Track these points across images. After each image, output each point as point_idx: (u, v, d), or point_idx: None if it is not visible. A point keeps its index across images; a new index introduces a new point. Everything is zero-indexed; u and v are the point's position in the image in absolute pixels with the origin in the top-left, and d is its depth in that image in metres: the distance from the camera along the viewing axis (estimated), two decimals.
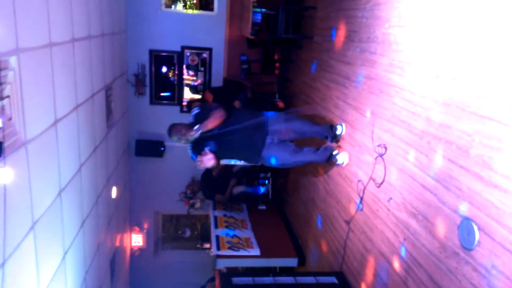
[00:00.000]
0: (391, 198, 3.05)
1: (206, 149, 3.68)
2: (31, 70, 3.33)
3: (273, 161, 3.90)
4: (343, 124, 4.02)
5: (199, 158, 3.64)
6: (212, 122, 3.67)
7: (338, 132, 4.07)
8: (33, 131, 3.39)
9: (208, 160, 3.62)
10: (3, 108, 2.80)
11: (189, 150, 3.88)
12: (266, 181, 6.52)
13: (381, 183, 3.19)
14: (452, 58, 2.40)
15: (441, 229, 2.44)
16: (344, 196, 3.96)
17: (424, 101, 2.66)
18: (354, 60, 3.79)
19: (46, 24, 3.63)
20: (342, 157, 3.93)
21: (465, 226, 2.21)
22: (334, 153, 3.98)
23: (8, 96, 2.91)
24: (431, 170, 2.56)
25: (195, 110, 3.82)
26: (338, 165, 4.01)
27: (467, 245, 2.20)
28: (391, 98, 3.10)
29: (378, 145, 3.25)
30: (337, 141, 4.09)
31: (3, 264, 2.85)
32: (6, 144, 2.71)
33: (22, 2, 3.10)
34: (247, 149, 3.85)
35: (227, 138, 3.74)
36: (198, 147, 3.77)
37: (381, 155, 3.20)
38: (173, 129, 3.77)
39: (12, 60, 2.99)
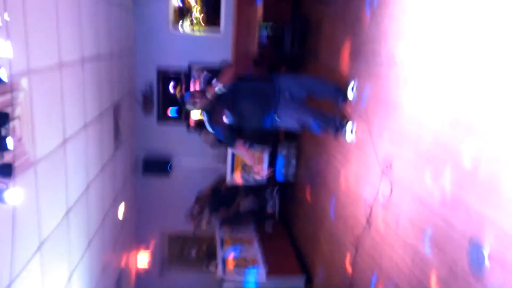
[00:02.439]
0: (398, 221, 3.01)
1: (226, 121, 3.73)
2: (41, 90, 3.37)
3: (288, 121, 3.88)
4: (355, 81, 3.86)
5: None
6: (227, 75, 3.73)
7: (350, 87, 3.89)
8: (42, 151, 3.41)
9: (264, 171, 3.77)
10: (13, 129, 2.83)
11: (206, 123, 3.87)
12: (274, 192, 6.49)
13: (387, 203, 3.16)
14: (459, 74, 2.40)
15: (450, 253, 2.39)
16: (351, 218, 3.91)
17: (430, 119, 2.64)
18: (360, 76, 3.80)
19: (56, 44, 3.70)
20: (350, 136, 3.85)
21: (475, 251, 2.17)
22: (344, 122, 3.88)
23: (18, 117, 2.94)
24: (439, 192, 2.53)
25: (204, 74, 3.94)
26: (344, 137, 3.90)
27: (477, 271, 2.15)
28: (395, 116, 3.09)
29: (383, 164, 3.23)
30: (348, 101, 3.93)
31: (9, 285, 2.83)
32: (15, 165, 2.73)
33: (33, 23, 3.16)
34: (261, 106, 3.80)
35: (241, 98, 3.76)
36: (215, 117, 3.78)
37: (385, 173, 3.17)
38: (187, 98, 3.79)
39: (23, 81, 3.03)
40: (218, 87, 3.69)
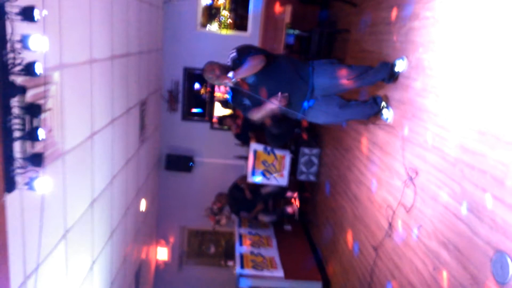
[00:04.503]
0: (420, 226, 2.98)
1: (245, 103, 3.46)
2: (72, 85, 3.49)
3: (318, 119, 3.65)
4: (405, 58, 3.42)
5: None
6: (248, 70, 3.29)
7: (396, 69, 3.47)
8: (71, 142, 3.53)
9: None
10: (45, 120, 2.95)
11: (228, 99, 3.65)
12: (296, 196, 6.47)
13: (410, 208, 3.12)
14: (488, 85, 2.36)
15: (473, 261, 2.35)
16: (373, 221, 3.88)
17: (458, 128, 2.61)
18: (387, 84, 3.77)
19: (88, 42, 3.82)
20: (387, 113, 3.56)
21: (499, 260, 2.13)
22: (382, 105, 3.60)
23: (50, 109, 3.06)
24: (464, 199, 2.49)
25: (233, 53, 3.44)
26: (382, 120, 3.63)
27: (500, 279, 2.11)
28: (423, 123, 3.05)
29: (409, 168, 3.19)
30: (394, 80, 3.54)
31: (37, 268, 2.95)
32: (45, 155, 2.84)
33: (68, 21, 3.28)
34: (292, 100, 3.46)
35: (268, 87, 3.39)
36: (237, 98, 3.53)
37: (411, 178, 3.14)
38: (207, 66, 3.40)
39: (56, 75, 3.15)
40: (231, 80, 3.27)
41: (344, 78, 3.55)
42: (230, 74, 3.27)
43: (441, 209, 2.73)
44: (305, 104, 3.52)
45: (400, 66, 3.46)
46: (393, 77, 3.53)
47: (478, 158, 2.38)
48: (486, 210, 2.27)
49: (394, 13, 3.78)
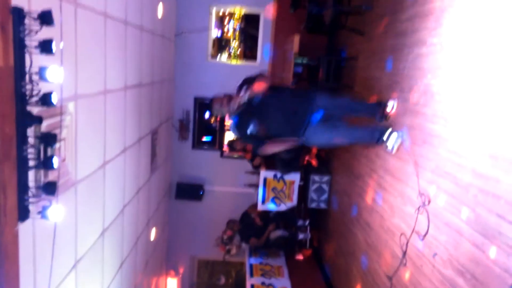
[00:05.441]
0: (436, 254, 2.91)
1: (249, 130, 3.59)
2: (86, 115, 3.57)
3: (319, 139, 3.72)
4: (395, 101, 3.75)
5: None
6: (259, 85, 3.54)
7: (388, 109, 3.77)
8: (83, 172, 3.57)
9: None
10: (59, 149, 3.00)
11: (233, 128, 3.75)
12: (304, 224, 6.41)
13: (425, 236, 3.06)
14: (498, 109, 2.35)
15: None
16: (387, 250, 3.81)
17: (470, 152, 2.59)
18: (396, 110, 3.78)
19: (103, 73, 3.93)
20: (396, 139, 3.58)
21: None
22: (387, 133, 3.64)
23: (64, 139, 3.12)
24: (479, 225, 2.44)
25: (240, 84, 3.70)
26: (391, 146, 3.63)
27: None
28: (435, 148, 3.04)
29: (421, 194, 3.16)
30: (386, 119, 3.79)
31: None
32: (58, 184, 2.87)
33: (84, 53, 3.39)
34: (291, 125, 3.63)
35: (271, 112, 3.59)
36: (242, 126, 3.65)
37: (424, 205, 3.10)
38: (214, 100, 3.65)
39: (70, 106, 3.23)
40: (246, 95, 3.54)
41: (343, 98, 3.85)
42: (243, 90, 3.54)
43: (456, 235, 2.67)
44: (308, 120, 3.63)
45: (390, 106, 3.78)
46: (384, 117, 3.80)
47: (492, 183, 2.35)
48: (502, 236, 2.22)
49: (400, 40, 3.84)
